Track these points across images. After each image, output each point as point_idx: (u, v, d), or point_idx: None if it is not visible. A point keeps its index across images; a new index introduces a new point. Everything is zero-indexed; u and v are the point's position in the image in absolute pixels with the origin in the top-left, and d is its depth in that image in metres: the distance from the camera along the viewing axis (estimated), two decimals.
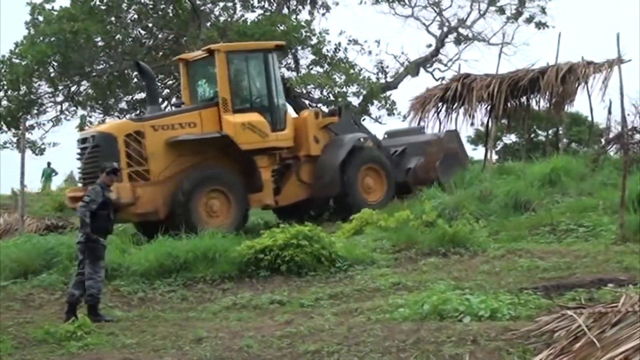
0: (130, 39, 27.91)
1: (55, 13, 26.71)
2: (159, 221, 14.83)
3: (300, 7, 29.69)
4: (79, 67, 27.22)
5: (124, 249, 12.58)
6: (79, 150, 16.05)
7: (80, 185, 17.17)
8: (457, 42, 32.23)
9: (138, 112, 27.65)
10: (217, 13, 29.23)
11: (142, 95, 28.48)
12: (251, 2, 29.03)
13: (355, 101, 27.91)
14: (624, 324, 5.84)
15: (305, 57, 28.17)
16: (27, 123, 25.52)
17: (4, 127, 27.77)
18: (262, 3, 29.17)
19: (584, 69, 19.43)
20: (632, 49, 18.55)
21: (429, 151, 18.12)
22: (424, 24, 32.35)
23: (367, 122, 26.70)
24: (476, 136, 30.05)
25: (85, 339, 8.37)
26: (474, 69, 32.52)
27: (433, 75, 31.76)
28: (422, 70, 31.85)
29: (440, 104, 21.50)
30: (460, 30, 32.20)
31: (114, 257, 11.72)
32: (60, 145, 29.43)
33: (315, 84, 27.11)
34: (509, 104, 20.92)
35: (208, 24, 27.90)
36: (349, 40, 30.35)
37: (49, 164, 31.04)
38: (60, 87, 28.31)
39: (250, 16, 28.84)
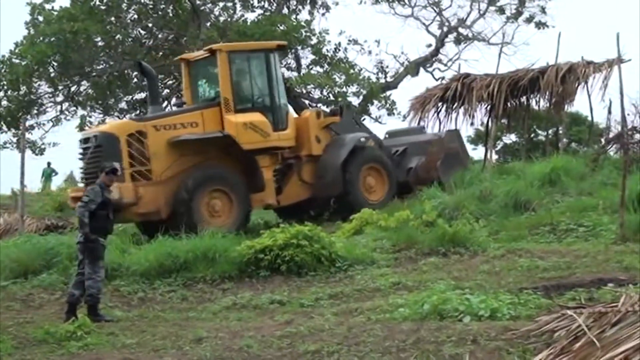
0: (130, 39, 27.91)
1: (55, 13, 26.70)
2: (161, 221, 14.85)
3: (300, 7, 29.69)
4: (79, 67, 27.22)
5: (124, 249, 12.58)
6: (80, 150, 16.07)
7: (82, 185, 17.18)
8: (457, 41, 32.23)
9: (138, 112, 27.67)
10: (217, 13, 29.23)
11: (142, 95, 28.49)
12: (251, 2, 29.03)
13: (355, 101, 27.93)
14: (624, 323, 5.84)
15: (305, 57, 28.19)
16: (27, 123, 25.53)
17: (4, 127, 27.77)
18: (262, 3, 29.18)
19: (583, 68, 19.44)
20: (632, 49, 18.60)
21: (430, 151, 18.12)
22: (423, 23, 32.38)
23: (367, 122, 26.69)
24: (476, 136, 30.04)
25: (85, 339, 8.38)
26: (474, 68, 32.56)
27: (433, 75, 31.80)
28: (422, 70, 31.86)
29: (440, 104, 21.50)
30: (460, 30, 32.21)
31: (114, 257, 11.72)
32: (60, 145, 29.48)
33: (315, 83, 27.13)
34: (508, 104, 20.93)
35: (208, 24, 27.89)
36: (349, 40, 30.37)
37: (49, 164, 31.05)
38: (60, 87, 28.30)
39: (250, 16, 28.87)
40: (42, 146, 29.10)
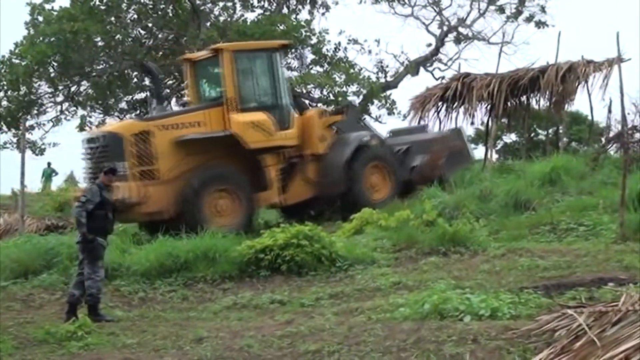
0: (130, 39, 27.92)
1: (55, 13, 26.72)
2: (167, 220, 14.89)
3: (300, 6, 29.73)
4: (79, 67, 27.23)
5: (124, 249, 12.59)
6: (86, 151, 16.10)
7: (85, 185, 17.20)
8: (457, 41, 32.26)
9: (138, 112, 27.69)
10: (216, 13, 29.28)
11: (142, 95, 28.53)
12: (251, 1, 29.07)
13: (355, 101, 27.93)
14: (625, 322, 5.85)
15: (305, 56, 28.21)
16: (27, 123, 25.57)
17: (4, 128, 27.80)
18: (262, 3, 29.23)
19: (584, 68, 19.42)
20: (632, 48, 18.63)
21: (433, 149, 18.11)
22: (423, 23, 32.42)
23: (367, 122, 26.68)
24: (476, 135, 30.05)
25: (85, 339, 8.38)
26: (474, 68, 32.46)
27: (433, 75, 31.84)
28: (422, 69, 31.90)
29: (440, 103, 21.49)
30: (460, 29, 32.24)
31: (115, 257, 11.73)
32: (60, 145, 29.53)
33: (315, 83, 27.14)
34: (509, 103, 20.92)
35: (208, 23, 27.91)
36: (349, 40, 30.42)
37: (49, 164, 31.04)
38: (60, 87, 28.33)
39: (250, 16, 28.92)
40: (42, 146, 29.19)
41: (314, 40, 28.26)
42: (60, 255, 11.91)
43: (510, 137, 31.42)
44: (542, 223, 13.19)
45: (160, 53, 28.05)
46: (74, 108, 29.07)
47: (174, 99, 26.54)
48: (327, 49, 28.79)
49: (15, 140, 27.48)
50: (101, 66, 28.07)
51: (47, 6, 27.05)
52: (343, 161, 16.83)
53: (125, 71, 27.95)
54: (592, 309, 6.34)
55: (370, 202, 16.29)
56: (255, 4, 29.17)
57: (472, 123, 22.04)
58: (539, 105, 21.48)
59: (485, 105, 21.03)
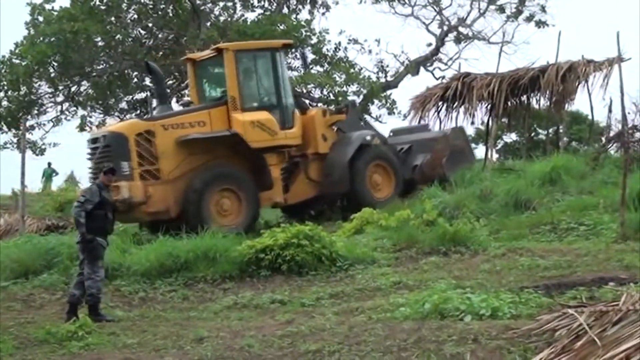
0: (130, 39, 27.93)
1: (55, 13, 26.74)
2: (171, 220, 14.90)
3: (300, 6, 29.74)
4: (79, 67, 27.25)
5: (124, 249, 12.59)
6: (89, 151, 16.14)
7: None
8: (457, 41, 32.27)
9: (138, 112, 27.69)
10: (217, 13, 29.29)
11: (143, 95, 28.53)
12: (251, 1, 29.07)
13: (356, 100, 27.91)
14: (625, 322, 5.84)
15: (307, 56, 28.19)
16: (28, 123, 25.55)
17: (4, 128, 27.82)
18: (262, 3, 29.24)
19: (584, 67, 19.41)
20: (632, 48, 18.61)
21: (435, 148, 18.12)
22: (424, 23, 32.43)
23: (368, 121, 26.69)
24: (477, 135, 30.06)
25: (86, 339, 8.38)
26: (474, 67, 32.47)
27: (433, 74, 31.85)
28: (422, 69, 31.91)
29: (440, 103, 21.48)
30: (460, 29, 32.26)
31: (115, 257, 11.73)
32: (60, 145, 29.56)
33: (316, 83, 27.14)
34: (509, 103, 20.90)
35: (208, 23, 27.92)
36: (349, 40, 30.44)
37: (49, 164, 31.05)
38: (60, 87, 28.35)
39: (250, 16, 28.93)
40: (43, 146, 29.21)
41: (314, 40, 28.29)
42: (60, 255, 11.91)
43: (511, 137, 31.45)
44: (543, 222, 13.19)
45: (161, 53, 28.06)
46: (74, 108, 29.09)
47: (174, 99, 26.54)
48: (327, 49, 28.84)
49: (15, 140, 27.50)
50: (101, 66, 28.09)
51: (48, 6, 27.09)
52: (346, 160, 16.84)
53: (126, 71, 27.95)
54: (592, 309, 6.33)
55: (373, 201, 16.34)
56: (256, 3, 29.20)
57: (473, 123, 22.04)
58: (539, 105, 21.46)
59: (486, 104, 21.02)
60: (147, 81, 27.77)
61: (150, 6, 28.02)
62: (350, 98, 27.08)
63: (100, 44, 27.60)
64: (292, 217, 16.66)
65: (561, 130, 22.42)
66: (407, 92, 39.65)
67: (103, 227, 9.70)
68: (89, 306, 9.52)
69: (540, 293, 8.57)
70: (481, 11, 31.76)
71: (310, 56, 28.08)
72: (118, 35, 27.82)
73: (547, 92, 20.16)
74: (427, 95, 21.55)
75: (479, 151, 23.88)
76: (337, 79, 27.63)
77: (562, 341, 6.01)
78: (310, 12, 29.66)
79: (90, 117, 28.90)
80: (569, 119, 24.02)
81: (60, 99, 28.77)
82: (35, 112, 28.36)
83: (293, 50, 25.73)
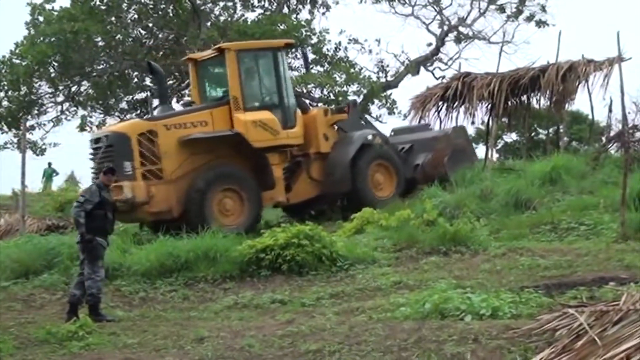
0: (130, 39, 27.94)
1: (56, 13, 26.75)
2: (173, 220, 14.90)
3: (300, 6, 29.75)
4: (79, 67, 27.25)
5: (124, 249, 12.58)
6: (91, 151, 16.15)
7: None
8: (458, 40, 32.27)
9: (139, 112, 27.70)
10: (217, 13, 29.29)
11: (143, 95, 28.54)
12: (251, 1, 29.07)
13: (356, 99, 27.93)
14: (626, 322, 5.84)
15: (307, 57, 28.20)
16: (28, 123, 25.55)
17: (5, 128, 27.83)
18: (262, 2, 29.24)
19: (584, 67, 19.40)
20: (633, 47, 18.60)
21: (436, 147, 18.12)
22: (424, 22, 32.43)
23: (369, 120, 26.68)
24: (477, 135, 30.06)
25: (86, 339, 8.38)
26: (475, 67, 32.45)
27: (433, 74, 31.85)
28: (422, 69, 31.91)
29: (440, 103, 21.45)
30: (461, 28, 32.26)
31: (115, 257, 11.72)
32: (60, 145, 29.52)
33: (316, 83, 27.14)
34: (509, 103, 20.88)
35: (208, 23, 27.92)
36: (349, 40, 30.44)
37: (49, 164, 31.04)
38: (60, 87, 28.36)
39: (251, 16, 28.94)
40: (43, 146, 29.21)
41: (315, 40, 28.29)
42: (61, 255, 11.91)
43: (511, 137, 31.45)
44: (543, 222, 13.19)
45: (161, 53, 28.08)
46: (75, 108, 29.10)
47: (174, 99, 26.53)
48: (327, 49, 28.84)
49: (15, 140, 27.51)
50: (101, 66, 28.10)
51: (48, 6, 27.10)
52: (347, 159, 16.85)
53: (126, 71, 27.96)
54: (593, 308, 6.33)
55: (375, 200, 16.36)
56: (256, 3, 29.21)
57: (473, 122, 22.01)
58: (539, 105, 21.44)
59: (486, 104, 21.00)
60: (148, 81, 27.79)
61: (151, 6, 28.03)
62: (350, 98, 27.12)
63: (100, 44, 27.61)
64: (293, 216, 16.67)
65: (561, 130, 22.40)
66: (408, 92, 39.63)
67: (103, 227, 9.70)
68: (89, 306, 9.53)
69: (541, 293, 8.56)
70: (481, 11, 31.78)
71: (311, 56, 28.08)
72: (118, 35, 27.83)
73: (548, 92, 20.14)
74: (428, 95, 21.53)
75: (479, 151, 23.88)
76: (338, 78, 27.64)
77: (562, 341, 6.01)
78: (311, 12, 29.70)
79: (91, 117, 28.95)
80: (569, 119, 24.01)
81: (60, 99, 28.79)
82: (36, 112, 28.38)
83: (294, 50, 25.75)
